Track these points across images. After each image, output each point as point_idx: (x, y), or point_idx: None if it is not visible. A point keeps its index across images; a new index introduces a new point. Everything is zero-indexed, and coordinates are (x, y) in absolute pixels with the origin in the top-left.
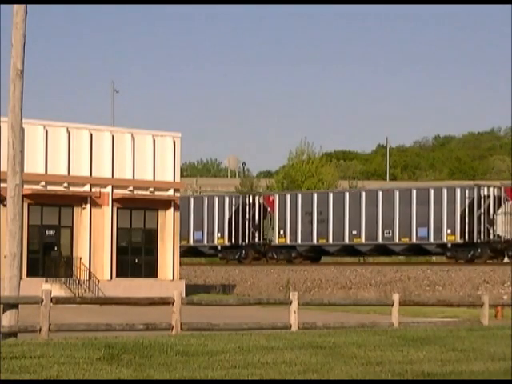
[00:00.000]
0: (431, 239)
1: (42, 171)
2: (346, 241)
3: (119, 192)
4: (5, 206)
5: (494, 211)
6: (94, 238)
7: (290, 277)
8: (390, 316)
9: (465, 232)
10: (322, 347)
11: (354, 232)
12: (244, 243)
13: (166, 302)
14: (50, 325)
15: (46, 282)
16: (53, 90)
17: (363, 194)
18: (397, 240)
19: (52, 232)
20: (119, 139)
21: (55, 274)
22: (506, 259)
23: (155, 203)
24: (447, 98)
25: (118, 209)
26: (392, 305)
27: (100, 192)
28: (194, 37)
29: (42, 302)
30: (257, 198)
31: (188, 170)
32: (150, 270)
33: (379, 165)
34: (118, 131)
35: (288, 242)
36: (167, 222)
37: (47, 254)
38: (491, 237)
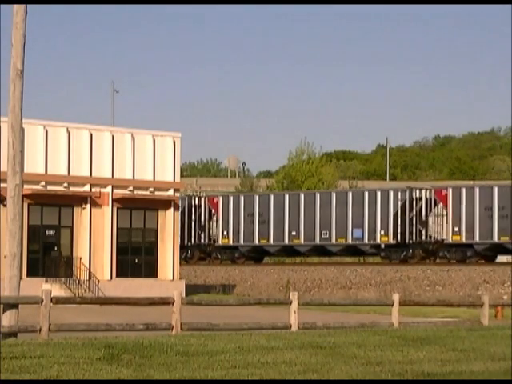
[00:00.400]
0: (366, 240)
1: (42, 171)
2: (286, 241)
3: (119, 192)
4: (5, 206)
5: (427, 213)
6: (93, 238)
7: (289, 277)
8: (390, 316)
9: (397, 233)
10: (322, 347)
11: (294, 233)
12: (190, 243)
13: (166, 301)
14: (50, 325)
15: (46, 282)
16: (53, 90)
17: (302, 195)
18: (333, 241)
19: (52, 232)
20: (119, 139)
21: (55, 274)
22: (437, 260)
23: (155, 203)
24: (447, 98)
25: (118, 209)
26: (392, 305)
27: (100, 192)
28: (194, 37)
29: (42, 302)
30: (202, 199)
31: (188, 170)
32: (150, 270)
33: (379, 165)
34: (118, 131)
35: (231, 242)
36: (167, 222)
37: (47, 254)
38: (423, 238)
